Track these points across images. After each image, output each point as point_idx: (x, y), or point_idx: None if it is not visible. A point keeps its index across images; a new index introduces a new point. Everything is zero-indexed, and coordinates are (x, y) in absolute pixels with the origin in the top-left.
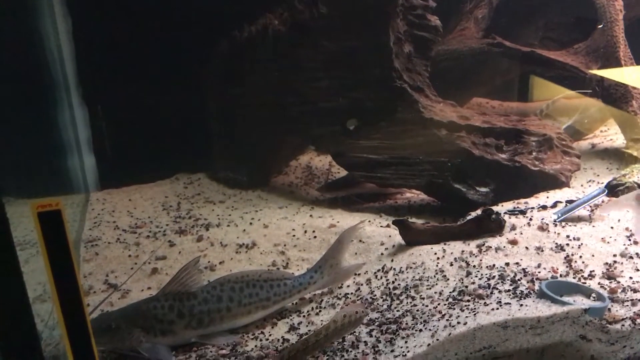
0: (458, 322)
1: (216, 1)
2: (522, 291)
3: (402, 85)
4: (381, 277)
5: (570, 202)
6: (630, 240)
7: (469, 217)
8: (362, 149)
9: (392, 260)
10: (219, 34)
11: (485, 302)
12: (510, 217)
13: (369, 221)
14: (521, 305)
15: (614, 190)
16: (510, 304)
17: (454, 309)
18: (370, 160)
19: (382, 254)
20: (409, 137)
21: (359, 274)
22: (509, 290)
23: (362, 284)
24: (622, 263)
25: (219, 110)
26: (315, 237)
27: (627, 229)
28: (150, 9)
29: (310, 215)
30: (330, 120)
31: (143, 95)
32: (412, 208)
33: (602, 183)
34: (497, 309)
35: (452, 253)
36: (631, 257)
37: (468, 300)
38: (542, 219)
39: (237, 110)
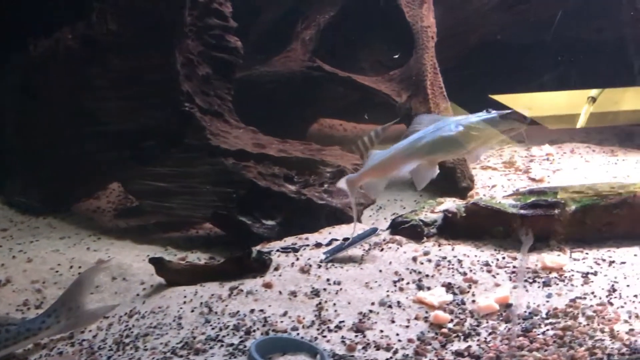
0: None
1: (14, 11)
2: (244, 347)
3: (191, 110)
4: (124, 322)
5: (346, 240)
6: (395, 286)
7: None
8: (151, 176)
9: (143, 302)
10: (17, 46)
11: None
12: (279, 256)
13: (148, 255)
14: None
15: (397, 228)
16: None
17: None
18: (159, 188)
19: (138, 294)
20: (196, 165)
21: (108, 317)
22: (231, 345)
23: (102, 329)
24: (378, 313)
25: (12, 127)
26: (80, 273)
27: (396, 272)
28: None
29: (88, 248)
30: (120, 143)
31: None
32: (210, 239)
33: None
34: None
35: (202, 296)
36: (390, 307)
37: (182, 356)
38: (309, 258)
39: (31, 128)
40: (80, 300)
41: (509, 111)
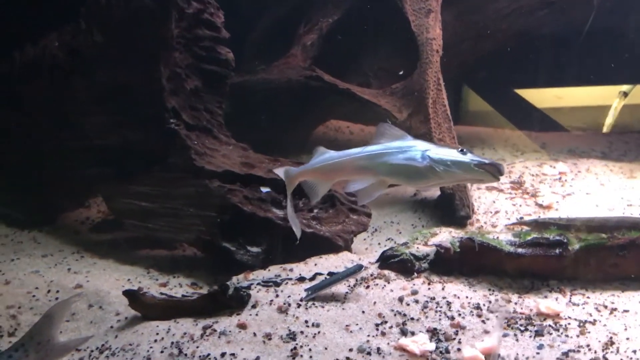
0: None
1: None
2: None
3: (176, 128)
4: (93, 358)
5: (331, 274)
6: (378, 329)
7: (210, 290)
8: (135, 195)
9: (116, 337)
10: (1, 53)
11: None
12: (259, 291)
13: (129, 279)
14: None
15: (387, 261)
16: None
17: None
18: (141, 208)
19: (112, 326)
20: (180, 186)
21: (80, 350)
22: None
23: None
24: None
25: None
26: (57, 298)
27: (380, 314)
28: None
29: (69, 269)
30: (104, 159)
31: None
32: (195, 261)
33: (390, 246)
34: None
35: (174, 334)
36: (369, 354)
37: None
38: (289, 296)
39: (15, 138)
40: (51, 334)
41: (487, 162)
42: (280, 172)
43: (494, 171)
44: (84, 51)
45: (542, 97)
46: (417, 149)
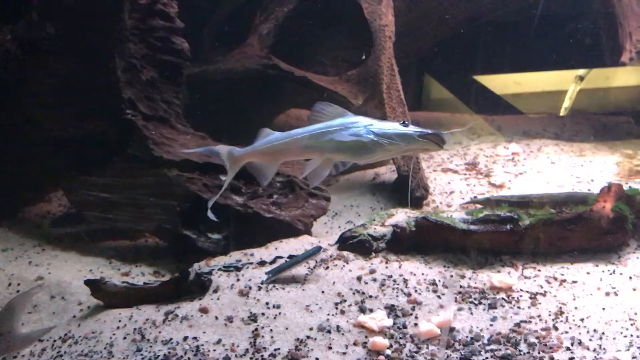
0: None
1: None
2: None
3: (133, 118)
4: (56, 348)
5: (291, 257)
6: (337, 308)
7: (172, 276)
8: (95, 186)
9: (79, 326)
10: None
11: None
12: (220, 276)
13: (91, 270)
14: None
15: (345, 243)
16: None
17: None
18: (102, 199)
19: (75, 316)
20: (139, 176)
21: (42, 340)
22: None
23: (35, 355)
24: (315, 339)
25: None
26: (17, 291)
27: (339, 294)
28: None
29: (30, 262)
30: (63, 151)
31: None
32: (158, 249)
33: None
34: None
35: (136, 321)
36: (329, 332)
37: None
38: (250, 279)
39: None
40: (12, 326)
41: (429, 132)
42: (222, 151)
43: (437, 140)
44: (36, 43)
45: (503, 84)
46: (361, 124)
